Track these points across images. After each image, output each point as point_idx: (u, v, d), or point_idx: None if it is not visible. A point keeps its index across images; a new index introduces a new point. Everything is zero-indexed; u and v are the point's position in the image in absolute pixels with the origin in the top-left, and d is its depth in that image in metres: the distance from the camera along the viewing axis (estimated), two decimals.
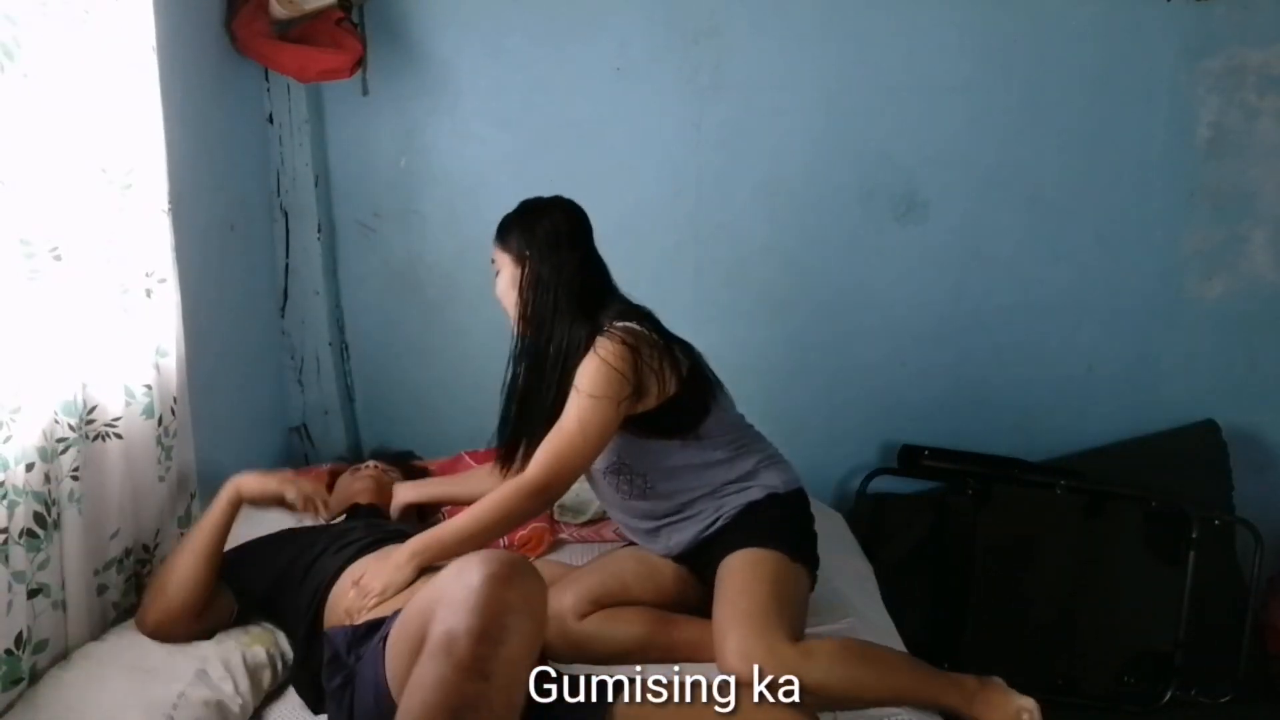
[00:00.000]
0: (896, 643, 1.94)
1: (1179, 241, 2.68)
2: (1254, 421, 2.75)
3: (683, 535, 1.87)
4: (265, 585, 1.70)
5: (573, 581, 1.84)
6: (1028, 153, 2.62)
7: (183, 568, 1.64)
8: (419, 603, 1.29)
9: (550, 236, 1.84)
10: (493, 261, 1.90)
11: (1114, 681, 2.56)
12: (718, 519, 1.84)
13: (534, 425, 1.79)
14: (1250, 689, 2.59)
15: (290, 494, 1.74)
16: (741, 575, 1.73)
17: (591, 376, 1.71)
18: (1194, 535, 2.54)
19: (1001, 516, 2.59)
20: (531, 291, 1.82)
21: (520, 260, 1.84)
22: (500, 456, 1.90)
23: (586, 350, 1.75)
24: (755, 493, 1.85)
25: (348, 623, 1.54)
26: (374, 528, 1.82)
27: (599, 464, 1.87)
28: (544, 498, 1.73)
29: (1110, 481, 2.62)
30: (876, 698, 1.58)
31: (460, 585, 1.19)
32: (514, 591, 1.19)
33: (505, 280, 1.87)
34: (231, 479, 1.74)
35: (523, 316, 1.84)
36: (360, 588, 1.60)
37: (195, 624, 1.64)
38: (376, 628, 1.43)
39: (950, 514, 2.64)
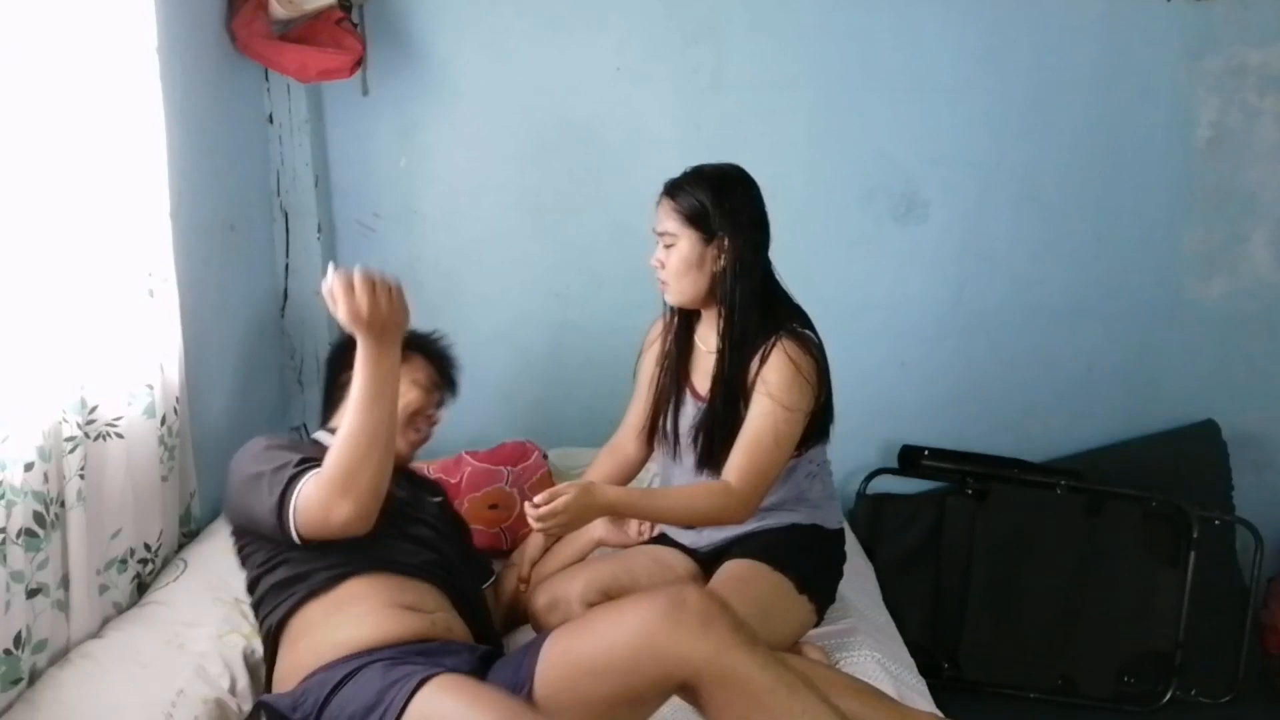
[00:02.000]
0: (896, 642, 1.94)
1: (1179, 241, 2.67)
2: (1254, 421, 2.75)
3: (719, 534, 1.87)
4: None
5: (585, 569, 1.86)
6: (1028, 153, 2.62)
7: (385, 455, 1.49)
8: (588, 660, 1.31)
9: (753, 215, 1.76)
10: (662, 234, 1.78)
11: (1114, 681, 2.56)
12: (750, 526, 1.83)
13: (728, 417, 1.75)
14: (1250, 689, 2.60)
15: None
16: (731, 584, 1.72)
17: (786, 386, 1.68)
18: (1194, 535, 2.54)
19: (1001, 516, 2.59)
20: (735, 276, 1.73)
21: (712, 238, 1.73)
22: (706, 464, 1.81)
23: (765, 346, 1.71)
24: (802, 517, 1.85)
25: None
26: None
27: (686, 440, 1.83)
28: (751, 510, 1.72)
29: (1110, 481, 2.61)
30: None
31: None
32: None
33: (683, 255, 1.75)
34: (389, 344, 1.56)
35: (721, 301, 1.75)
36: (545, 511, 1.56)
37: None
38: (310, 689, 1.40)
39: (950, 514, 2.64)
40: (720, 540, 1.88)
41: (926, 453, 2.66)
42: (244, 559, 1.67)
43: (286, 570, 1.58)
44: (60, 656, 1.57)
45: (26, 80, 1.49)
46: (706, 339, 1.85)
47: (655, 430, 1.93)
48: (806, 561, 1.81)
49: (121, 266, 1.73)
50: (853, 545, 2.39)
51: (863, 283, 2.69)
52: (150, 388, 1.78)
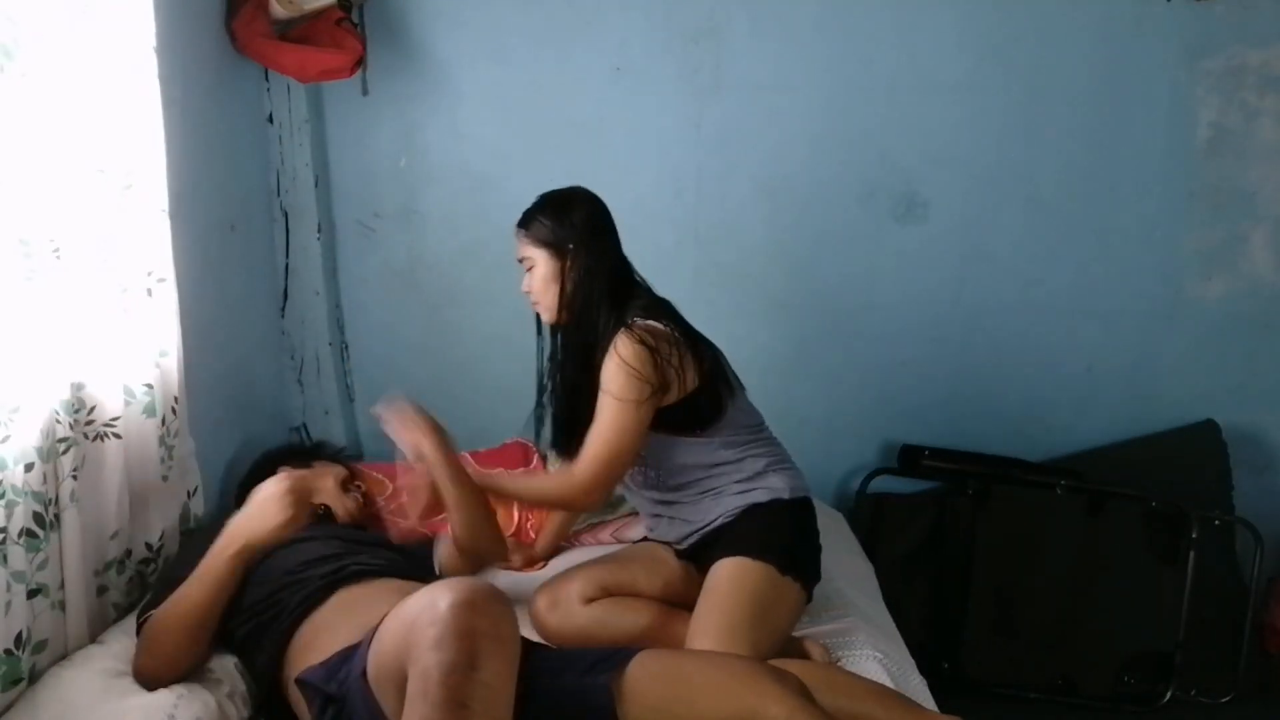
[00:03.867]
0: (896, 642, 1.94)
1: (1179, 241, 2.68)
2: (1254, 421, 2.75)
3: (685, 528, 1.89)
4: (248, 615, 1.63)
5: (583, 569, 1.89)
6: (1028, 153, 2.62)
7: (186, 628, 1.55)
8: (393, 633, 1.29)
9: (589, 225, 1.87)
10: (521, 260, 1.92)
11: (1114, 681, 2.56)
12: (718, 517, 1.85)
13: (587, 418, 1.80)
14: (1250, 689, 2.60)
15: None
16: (722, 588, 1.74)
17: (614, 378, 1.75)
18: (1194, 535, 2.54)
19: (1001, 516, 2.60)
20: (578, 284, 1.85)
21: (561, 253, 1.86)
22: (564, 454, 1.91)
23: (609, 344, 1.77)
24: (759, 495, 1.85)
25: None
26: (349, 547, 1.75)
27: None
28: (594, 497, 1.81)
29: (1110, 481, 2.62)
30: None
31: (428, 620, 1.20)
32: (482, 618, 1.20)
33: (542, 275, 1.88)
34: (236, 529, 1.62)
35: (568, 309, 1.86)
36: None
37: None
38: (348, 658, 1.42)
39: (950, 514, 2.65)
40: (694, 537, 1.88)
41: (926, 453, 2.66)
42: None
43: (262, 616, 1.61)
44: (61, 657, 1.57)
45: (25, 79, 1.49)
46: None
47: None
48: (778, 541, 1.81)
49: (121, 266, 1.73)
50: (853, 545, 2.40)
51: (863, 283, 2.69)
52: (150, 387, 1.78)
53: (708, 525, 1.86)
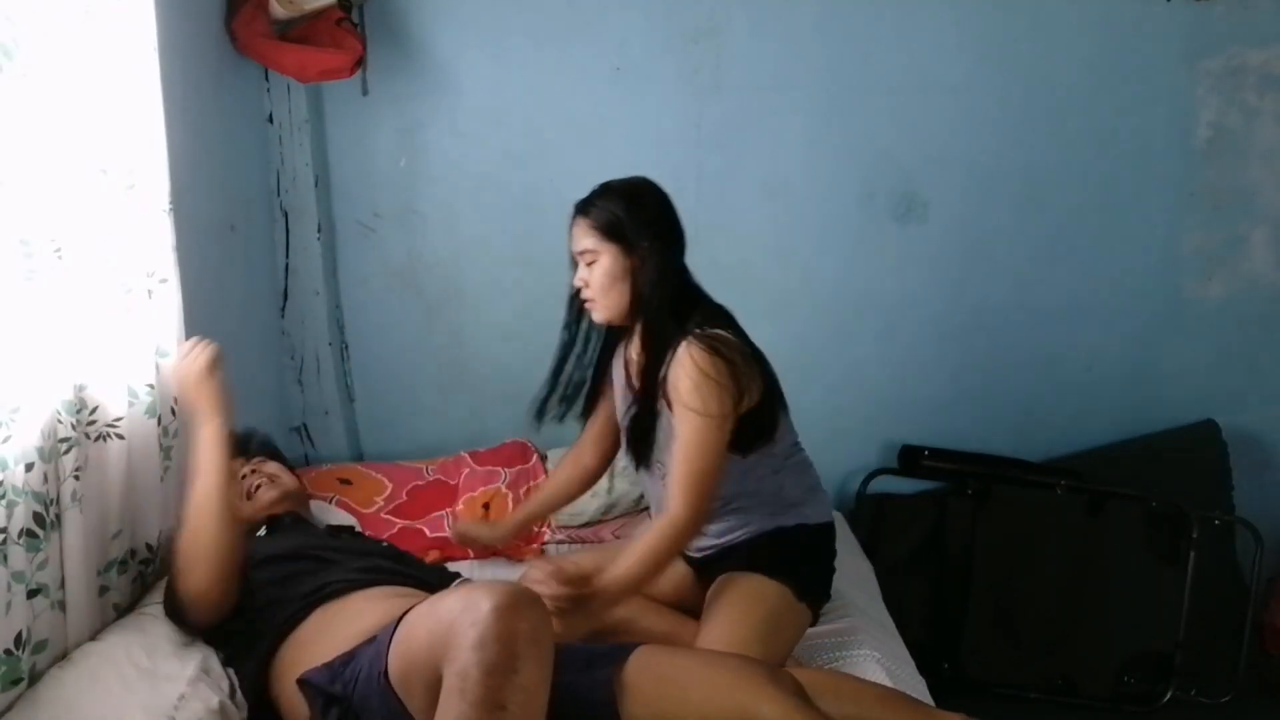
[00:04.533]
0: (896, 642, 1.94)
1: (1179, 241, 2.68)
2: (1254, 421, 2.75)
3: (702, 539, 1.86)
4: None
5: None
6: (1028, 153, 2.62)
7: (212, 529, 1.60)
8: (422, 632, 1.30)
9: (663, 222, 1.75)
10: (581, 253, 1.75)
11: (1114, 681, 2.56)
12: (741, 534, 1.82)
13: (652, 418, 1.75)
14: (1250, 689, 2.60)
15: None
16: (737, 602, 1.72)
17: (695, 392, 1.64)
18: (1194, 535, 2.54)
19: (1001, 516, 2.60)
20: (649, 285, 1.71)
21: (632, 249, 1.71)
22: (637, 458, 1.82)
23: (671, 353, 1.68)
24: (787, 520, 1.83)
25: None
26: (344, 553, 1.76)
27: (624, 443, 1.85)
28: (694, 524, 1.67)
29: (1110, 481, 2.62)
30: None
31: (469, 621, 1.21)
32: (522, 622, 1.22)
33: (607, 271, 1.72)
34: (203, 417, 1.66)
35: (642, 311, 1.74)
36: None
37: (234, 588, 1.62)
38: (351, 659, 1.43)
39: (950, 514, 2.65)
40: (710, 548, 1.86)
41: (926, 453, 2.66)
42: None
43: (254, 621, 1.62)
44: (61, 658, 1.57)
45: (26, 79, 1.49)
46: (633, 348, 1.83)
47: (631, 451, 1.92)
48: (799, 566, 1.80)
49: (123, 267, 1.73)
50: (853, 545, 2.40)
51: (863, 283, 2.69)
52: (151, 388, 1.78)
53: (728, 541, 1.84)
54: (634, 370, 1.81)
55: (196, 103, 2.07)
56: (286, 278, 2.58)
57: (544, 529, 2.33)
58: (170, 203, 1.81)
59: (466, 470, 2.43)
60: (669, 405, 1.70)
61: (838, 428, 2.75)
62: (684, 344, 1.66)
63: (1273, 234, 2.67)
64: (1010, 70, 2.57)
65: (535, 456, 2.46)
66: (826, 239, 2.65)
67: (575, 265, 1.77)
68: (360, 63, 2.36)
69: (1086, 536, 2.58)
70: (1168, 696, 2.53)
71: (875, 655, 1.80)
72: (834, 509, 2.56)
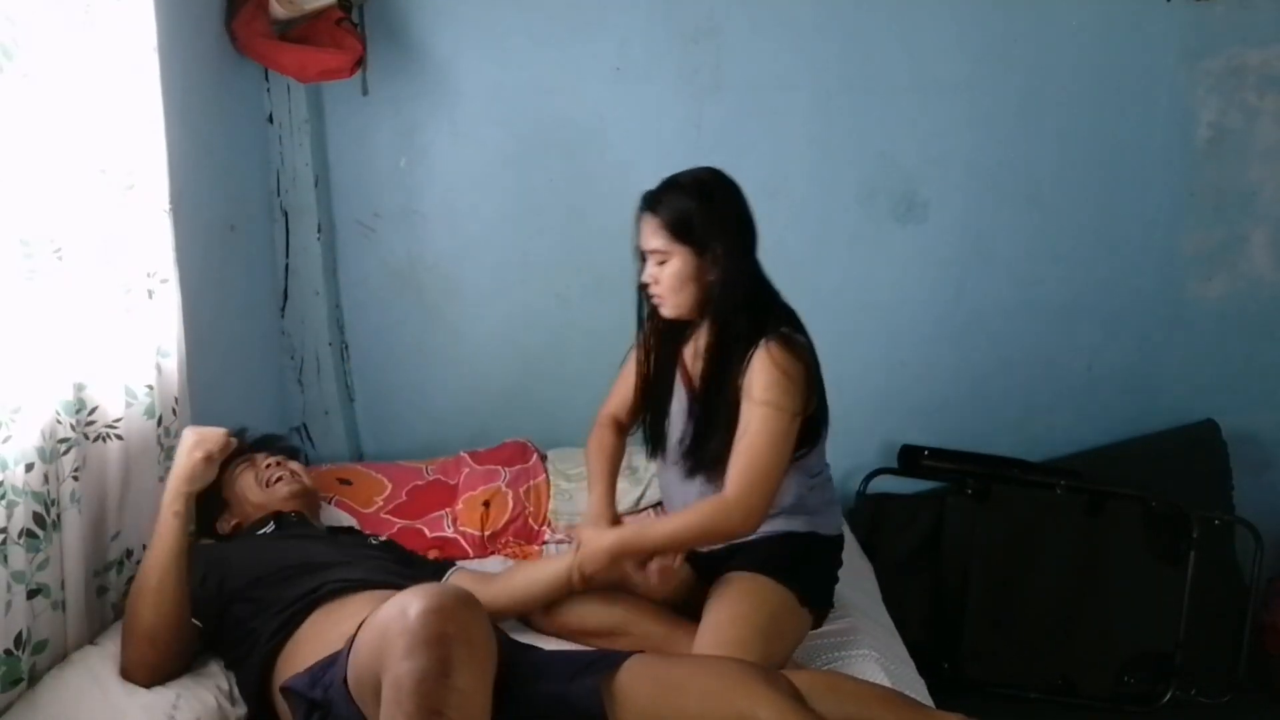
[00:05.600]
0: (896, 642, 1.94)
1: (1179, 241, 2.68)
2: (1254, 421, 2.75)
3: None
4: (239, 596, 1.65)
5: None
6: (1028, 153, 2.62)
7: (160, 606, 1.56)
8: (368, 643, 1.29)
9: (738, 222, 1.71)
10: (650, 251, 1.71)
11: (1114, 681, 2.56)
12: (752, 536, 1.80)
13: (715, 422, 1.72)
14: (1250, 689, 2.60)
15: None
16: (740, 601, 1.71)
17: (771, 387, 1.63)
18: (1194, 535, 2.54)
19: (1001, 516, 2.59)
20: (722, 287, 1.68)
21: (704, 250, 1.68)
22: (692, 462, 1.79)
23: (750, 351, 1.67)
24: (799, 525, 1.83)
25: None
26: (347, 553, 1.77)
27: (676, 438, 1.81)
28: (753, 519, 1.66)
29: (1110, 481, 2.61)
30: None
31: (399, 629, 1.20)
32: (451, 624, 1.20)
33: (677, 272, 1.69)
34: (172, 492, 1.65)
35: (714, 311, 1.71)
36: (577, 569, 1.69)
37: (183, 658, 1.61)
38: (330, 665, 1.43)
39: (950, 514, 2.64)
40: (718, 548, 1.85)
41: (926, 453, 2.66)
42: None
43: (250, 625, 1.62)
44: (61, 658, 1.57)
45: (26, 79, 1.49)
46: (696, 343, 1.81)
47: (651, 436, 1.92)
48: (806, 573, 1.80)
49: (123, 267, 1.73)
50: (853, 545, 2.40)
51: (863, 283, 2.69)
52: (150, 389, 1.78)
53: (738, 539, 1.82)
54: (695, 370, 1.79)
55: (196, 103, 2.07)
56: (286, 278, 2.58)
57: (544, 528, 2.33)
58: (170, 203, 1.81)
59: (466, 470, 2.43)
60: (736, 404, 1.68)
61: (838, 428, 2.72)
62: (764, 342, 1.66)
63: (1273, 234, 2.67)
64: (1010, 70, 2.57)
65: (535, 456, 2.47)
66: (826, 239, 2.65)
67: (642, 260, 1.74)
68: (360, 63, 2.36)
69: (1086, 536, 2.58)
70: (1168, 696, 2.53)
71: (875, 655, 1.80)
72: None
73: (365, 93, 2.50)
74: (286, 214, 2.54)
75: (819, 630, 1.88)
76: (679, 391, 1.85)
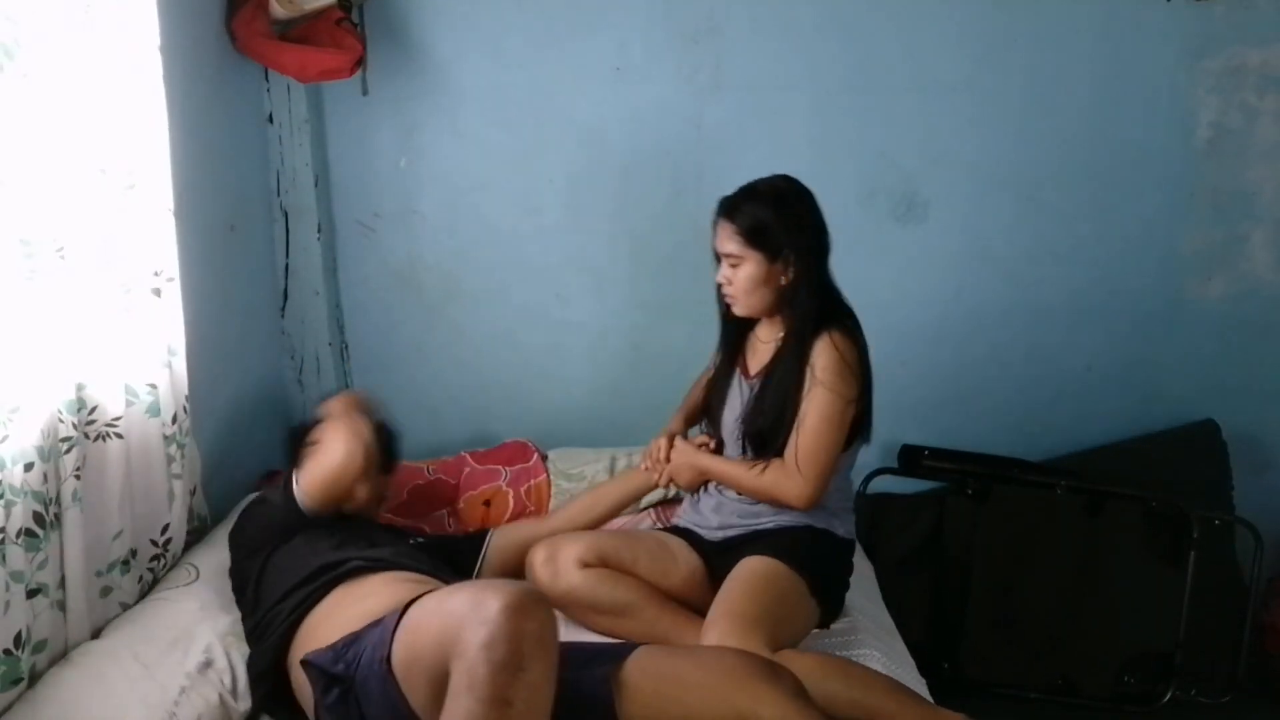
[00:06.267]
0: (896, 642, 1.95)
1: (1179, 241, 2.67)
2: (1254, 421, 2.75)
3: (730, 518, 1.92)
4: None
5: (589, 535, 1.92)
6: (1028, 153, 2.61)
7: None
8: (431, 626, 1.31)
9: (813, 232, 1.82)
10: (725, 255, 1.83)
11: (1114, 681, 2.56)
12: (769, 521, 1.87)
13: (776, 409, 1.81)
14: (1250, 689, 2.60)
15: None
16: (751, 580, 1.75)
17: (832, 370, 1.75)
18: (1194, 535, 2.54)
19: (1001, 516, 2.59)
20: (801, 295, 1.80)
21: (777, 256, 1.79)
22: (753, 448, 1.87)
23: (815, 338, 1.77)
24: (816, 521, 1.88)
25: None
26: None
27: (733, 418, 1.90)
28: (809, 491, 1.78)
29: (1110, 481, 2.61)
30: (848, 715, 1.56)
31: (478, 620, 1.23)
32: (530, 622, 1.25)
33: (750, 276, 1.81)
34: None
35: (785, 315, 1.83)
36: (659, 465, 1.98)
37: None
38: (354, 641, 1.45)
39: (950, 514, 2.64)
40: (735, 533, 1.89)
41: (926, 453, 2.66)
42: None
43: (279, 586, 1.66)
44: (60, 657, 1.57)
45: (26, 79, 1.49)
46: (763, 335, 1.92)
47: (706, 416, 2.03)
48: (820, 565, 1.84)
49: (123, 267, 1.73)
50: None
51: (862, 283, 2.66)
52: (152, 387, 1.78)
53: (755, 525, 1.87)
54: (753, 358, 1.90)
55: (196, 103, 2.07)
56: (286, 278, 2.59)
57: None
58: (174, 203, 1.81)
59: (467, 469, 2.43)
60: (789, 391, 1.78)
61: None
62: (827, 331, 1.77)
63: (1273, 234, 2.67)
64: (1010, 70, 2.57)
65: (535, 455, 2.46)
66: None
67: (719, 261, 1.86)
68: (360, 63, 2.36)
69: (1086, 536, 2.58)
70: (1168, 696, 2.53)
71: (875, 655, 1.80)
72: None
73: (365, 93, 2.50)
74: (286, 214, 2.54)
75: (820, 630, 1.88)
76: (736, 377, 1.95)
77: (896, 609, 2.15)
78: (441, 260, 2.66)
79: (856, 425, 1.86)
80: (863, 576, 2.23)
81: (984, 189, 2.64)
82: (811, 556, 1.82)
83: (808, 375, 1.77)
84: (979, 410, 2.75)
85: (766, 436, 1.83)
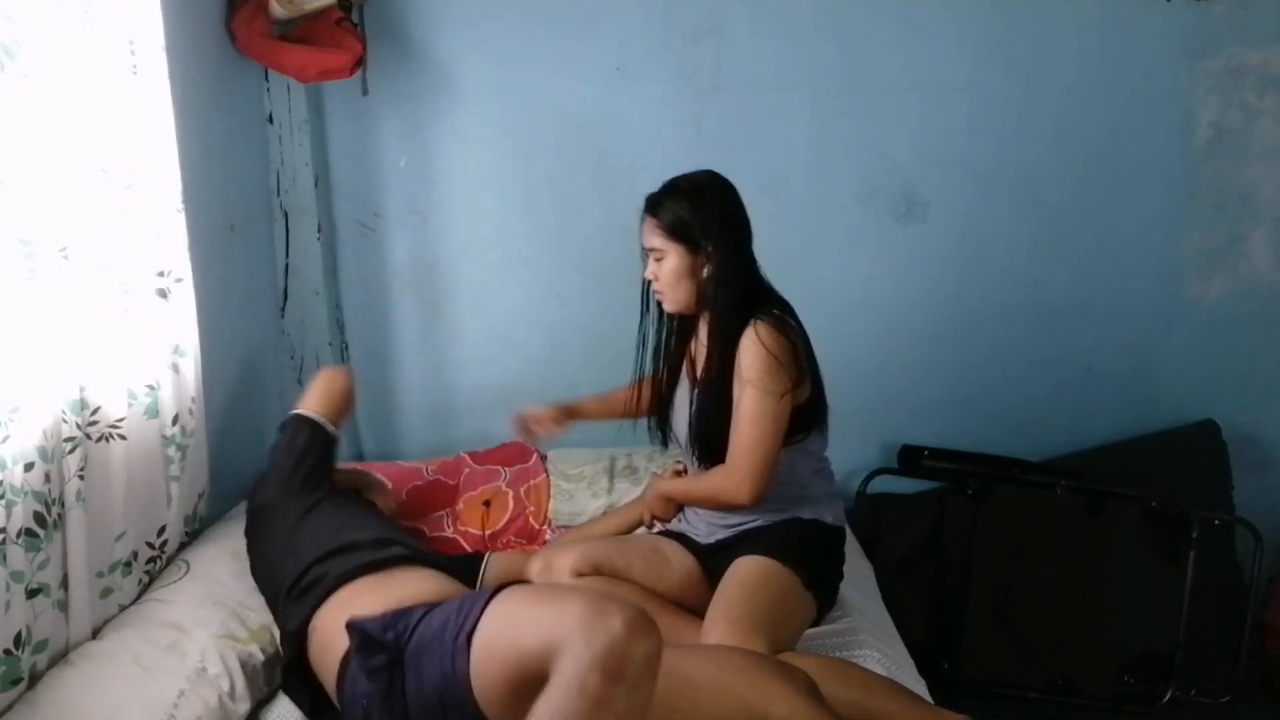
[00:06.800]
0: (896, 642, 1.95)
1: (1179, 241, 2.68)
2: (1254, 421, 2.75)
3: (720, 519, 1.91)
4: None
5: (582, 543, 1.91)
6: (1028, 153, 2.62)
7: None
8: (536, 620, 1.29)
9: (728, 218, 1.82)
10: (650, 250, 1.84)
11: (1114, 681, 2.56)
12: (759, 520, 1.87)
13: (718, 412, 1.80)
14: (1250, 689, 2.60)
15: None
16: (748, 581, 1.75)
17: (755, 365, 1.73)
18: (1194, 535, 2.54)
19: (1001, 516, 2.59)
20: (715, 281, 1.80)
21: (696, 247, 1.80)
22: (699, 446, 1.87)
23: (739, 333, 1.76)
24: (804, 512, 1.88)
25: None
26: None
27: (681, 432, 1.91)
28: (748, 488, 1.77)
29: (1110, 481, 2.61)
30: (848, 717, 1.54)
31: (602, 628, 1.22)
32: (650, 646, 1.24)
33: (674, 269, 1.82)
34: None
35: (707, 306, 1.83)
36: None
37: None
38: (404, 614, 1.45)
39: (950, 514, 2.64)
40: (726, 535, 1.90)
41: (926, 453, 2.66)
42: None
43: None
44: (61, 657, 1.57)
45: (26, 79, 1.49)
46: (703, 336, 1.90)
47: (662, 427, 2.01)
48: (811, 558, 1.84)
49: (124, 267, 1.73)
50: (853, 545, 2.40)
51: (863, 283, 2.69)
52: (153, 388, 1.78)
53: (743, 526, 1.87)
54: (699, 362, 1.89)
55: (197, 103, 2.07)
56: (286, 278, 2.59)
57: (544, 528, 2.33)
58: (181, 202, 1.81)
59: (466, 470, 2.43)
60: (731, 388, 1.77)
61: (838, 428, 2.71)
62: (751, 323, 1.75)
63: (1273, 234, 2.67)
64: (1010, 70, 2.57)
65: (535, 456, 2.47)
66: (826, 239, 2.65)
67: (645, 259, 1.87)
68: (360, 63, 2.36)
69: (1086, 536, 2.58)
70: (1168, 696, 2.53)
71: (875, 655, 1.80)
72: None
73: (365, 93, 2.50)
74: (286, 214, 2.54)
75: (820, 630, 1.88)
76: (683, 383, 1.95)
77: (896, 609, 2.15)
78: (441, 260, 2.66)
79: (810, 412, 1.84)
80: (863, 576, 2.23)
81: (984, 189, 2.64)
82: (804, 550, 1.83)
83: (736, 373, 1.76)
84: (979, 410, 2.76)
85: (714, 443, 1.83)
